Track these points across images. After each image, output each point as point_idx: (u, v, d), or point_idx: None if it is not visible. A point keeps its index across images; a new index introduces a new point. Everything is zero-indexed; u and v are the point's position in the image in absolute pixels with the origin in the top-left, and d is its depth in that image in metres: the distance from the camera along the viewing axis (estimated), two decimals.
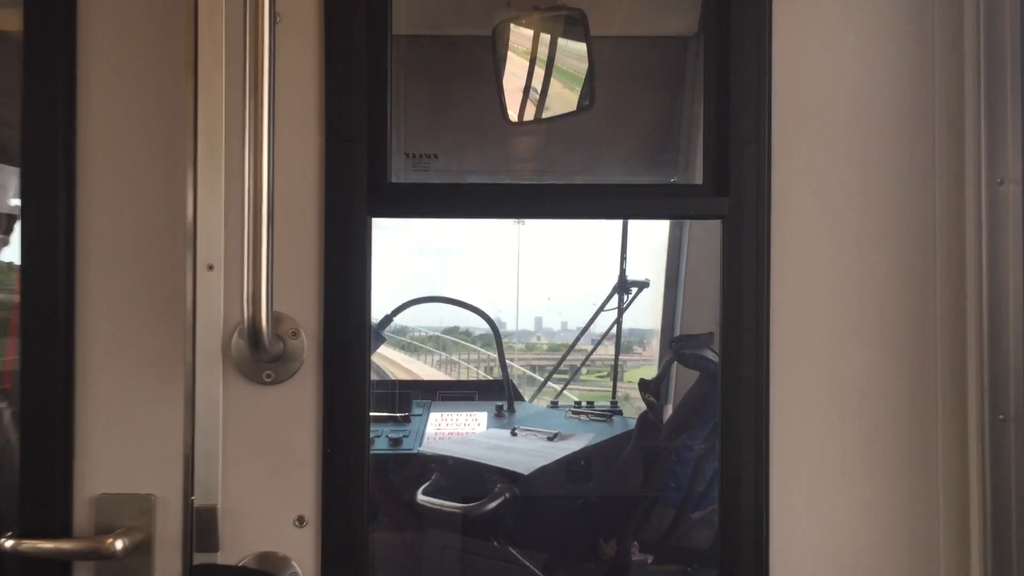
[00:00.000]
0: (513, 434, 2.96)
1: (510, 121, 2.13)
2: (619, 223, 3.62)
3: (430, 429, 3.02)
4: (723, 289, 1.37)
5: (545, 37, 2.09)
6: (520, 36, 2.09)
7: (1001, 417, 1.29)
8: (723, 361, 1.38)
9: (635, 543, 2.45)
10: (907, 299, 1.38)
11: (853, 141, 1.38)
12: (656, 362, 3.44)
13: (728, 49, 1.37)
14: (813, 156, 1.38)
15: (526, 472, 2.53)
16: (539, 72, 2.11)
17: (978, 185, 1.32)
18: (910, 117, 1.38)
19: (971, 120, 1.34)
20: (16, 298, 1.35)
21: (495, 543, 2.52)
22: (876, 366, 1.38)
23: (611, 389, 3.72)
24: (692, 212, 1.54)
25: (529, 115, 2.16)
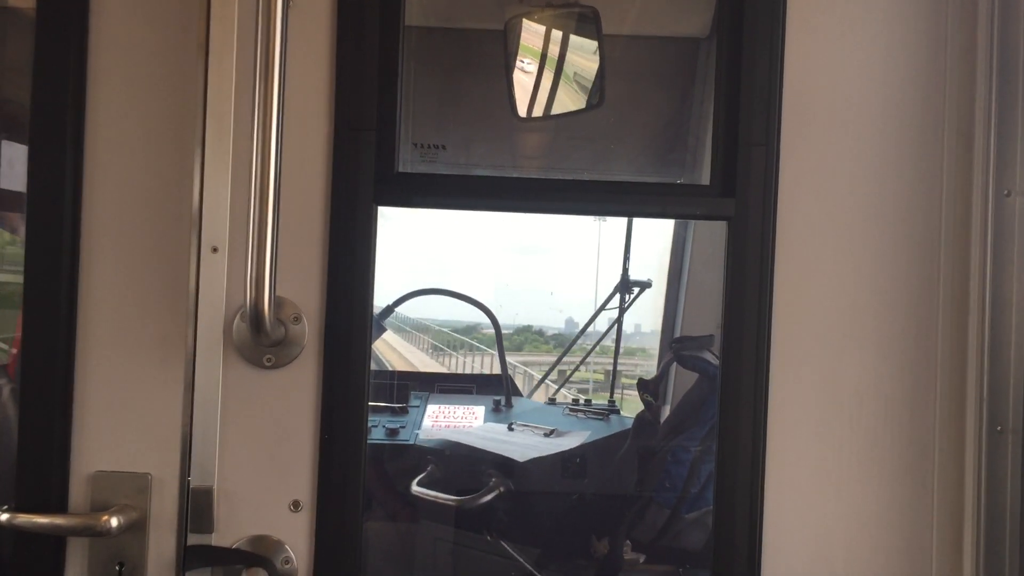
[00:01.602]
0: (510, 429, 2.96)
1: (519, 116, 2.13)
2: (636, 221, 3.60)
3: (427, 421, 3.02)
4: (726, 291, 1.37)
5: (557, 34, 2.09)
6: (532, 32, 2.09)
7: (999, 428, 1.29)
8: (723, 363, 1.38)
9: (628, 542, 2.46)
10: (910, 307, 1.38)
11: (861, 147, 1.38)
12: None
13: (740, 51, 1.37)
14: (821, 161, 1.38)
15: (521, 459, 2.53)
16: (549, 69, 2.11)
17: (985, 195, 1.32)
18: (920, 126, 1.38)
19: (980, 130, 1.33)
20: None
21: (488, 537, 2.53)
22: (876, 373, 1.38)
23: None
24: (698, 213, 1.54)
25: (538, 111, 2.16)
